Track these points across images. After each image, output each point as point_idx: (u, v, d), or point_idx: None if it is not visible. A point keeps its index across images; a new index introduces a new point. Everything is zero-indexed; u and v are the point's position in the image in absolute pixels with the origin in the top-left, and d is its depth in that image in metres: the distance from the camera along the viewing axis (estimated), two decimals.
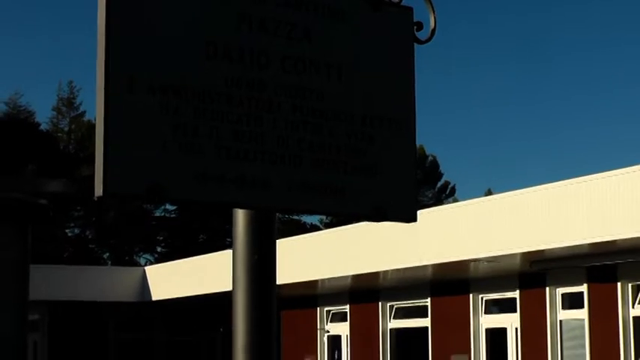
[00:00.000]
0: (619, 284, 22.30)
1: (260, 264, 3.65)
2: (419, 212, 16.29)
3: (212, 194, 3.44)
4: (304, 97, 3.62)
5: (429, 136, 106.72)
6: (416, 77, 3.93)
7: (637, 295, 22.25)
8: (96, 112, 3.40)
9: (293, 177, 3.56)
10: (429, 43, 3.98)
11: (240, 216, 3.67)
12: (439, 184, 69.13)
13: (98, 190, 3.28)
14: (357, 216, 3.90)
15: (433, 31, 3.90)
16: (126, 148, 3.31)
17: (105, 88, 3.32)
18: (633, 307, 22.24)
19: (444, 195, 67.68)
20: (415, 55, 3.92)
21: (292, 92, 3.60)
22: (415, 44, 3.92)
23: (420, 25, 3.87)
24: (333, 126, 3.65)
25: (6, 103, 55.82)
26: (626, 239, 18.94)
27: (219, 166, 3.44)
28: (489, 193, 49.15)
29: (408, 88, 3.84)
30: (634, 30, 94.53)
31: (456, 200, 59.04)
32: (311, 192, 3.60)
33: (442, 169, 69.77)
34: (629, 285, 22.26)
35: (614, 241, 19.27)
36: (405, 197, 3.81)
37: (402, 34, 3.83)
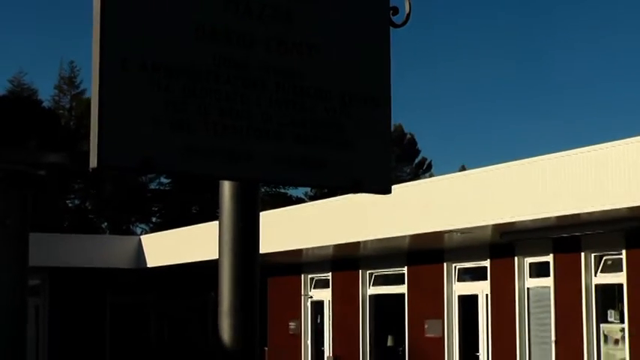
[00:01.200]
0: (582, 254, 22.37)
1: (244, 232, 3.65)
2: (398, 187, 16.50)
3: (200, 167, 3.44)
4: (287, 76, 3.62)
5: (407, 116, 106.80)
6: (396, 59, 3.92)
7: (599, 265, 22.32)
8: (91, 89, 3.39)
9: (276, 151, 3.57)
10: (405, 27, 3.98)
11: (227, 187, 3.67)
12: (416, 160, 69.18)
13: (93, 162, 3.28)
14: (335, 187, 3.89)
15: (408, 15, 3.89)
16: (119, 123, 3.30)
17: (100, 67, 3.31)
18: (595, 276, 22.32)
19: (421, 170, 67.74)
20: (391, 37, 3.91)
21: (275, 71, 3.60)
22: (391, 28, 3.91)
23: (395, 10, 3.87)
24: (313, 103, 3.65)
25: (10, 82, 55.78)
26: (589, 213, 19.00)
27: (206, 141, 3.44)
28: (463, 168, 49.13)
29: (384, 68, 3.84)
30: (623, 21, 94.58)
31: (432, 175, 59.17)
32: (293, 165, 3.61)
33: (419, 146, 69.91)
34: (592, 255, 22.34)
35: (578, 215, 19.33)
36: (380, 170, 3.82)
37: (379, 17, 3.83)
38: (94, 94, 3.34)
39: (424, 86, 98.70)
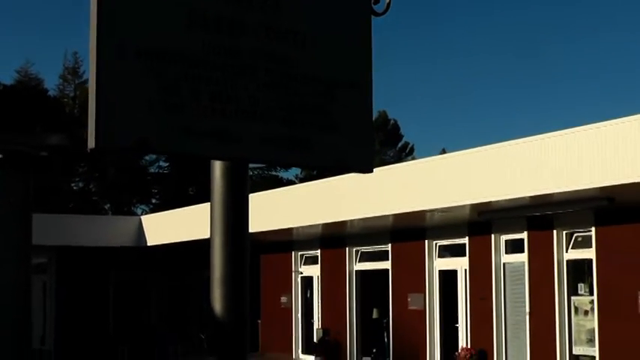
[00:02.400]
0: (555, 232, 22.43)
1: (234, 208, 3.64)
2: (382, 169, 16.46)
3: (192, 147, 3.43)
4: (275, 62, 3.60)
5: (391, 103, 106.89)
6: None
7: (570, 241, 22.37)
8: (89, 74, 3.37)
9: (264, 133, 3.56)
10: (386, 15, 3.96)
11: (217, 167, 3.66)
12: (399, 144, 69.18)
13: (91, 143, 3.27)
14: (320, 167, 3.87)
15: (388, 4, 3.88)
16: (115, 106, 3.29)
17: (97, 54, 3.29)
18: (567, 252, 22.37)
19: (403, 154, 67.74)
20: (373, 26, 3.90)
21: (264, 58, 3.58)
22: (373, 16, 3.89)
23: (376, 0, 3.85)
24: (300, 88, 3.64)
25: (18, 72, 55.67)
26: (560, 193, 19.01)
27: (198, 123, 3.42)
28: (443, 152, 49.11)
29: (366, 55, 3.83)
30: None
31: (414, 158, 59.17)
32: (280, 146, 3.60)
33: (402, 131, 69.88)
34: (564, 232, 22.40)
35: (550, 195, 19.35)
36: (363, 151, 3.80)
37: (360, 6, 3.82)
38: (91, 80, 3.33)
39: (407, 75, 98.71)
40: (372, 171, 3.89)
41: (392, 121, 69.06)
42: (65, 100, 55.89)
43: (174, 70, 3.40)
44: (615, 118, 17.93)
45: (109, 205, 54.71)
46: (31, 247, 4.23)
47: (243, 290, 3.62)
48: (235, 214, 3.64)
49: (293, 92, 3.61)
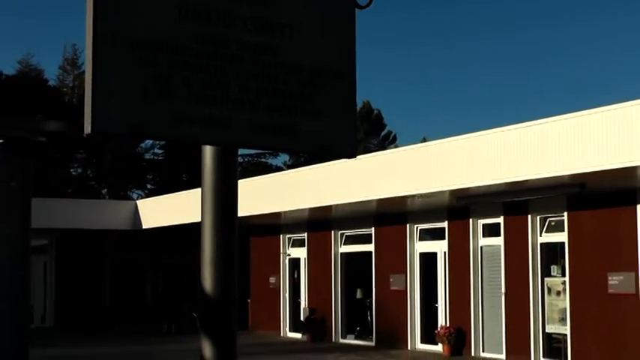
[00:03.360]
0: (529, 216, 22.48)
1: (224, 192, 3.63)
2: (366, 156, 16.44)
3: (184, 133, 3.42)
4: (262, 52, 3.59)
5: (375, 93, 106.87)
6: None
7: (544, 225, 22.43)
8: (86, 64, 3.36)
9: (252, 119, 3.55)
10: (369, 9, 3.94)
11: (208, 151, 3.65)
12: (383, 133, 69.15)
13: (87, 129, 3.26)
14: (305, 152, 3.86)
15: None
16: (110, 93, 3.28)
17: (93, 44, 3.28)
18: (541, 236, 22.43)
19: (387, 142, 67.69)
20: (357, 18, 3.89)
21: (252, 48, 3.57)
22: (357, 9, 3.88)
23: None
24: (286, 77, 3.63)
25: (19, 63, 55.49)
26: (535, 179, 19.06)
27: (190, 110, 3.41)
28: (424, 140, 49.08)
29: (350, 46, 3.82)
30: None
31: (396, 146, 59.11)
32: (267, 132, 3.59)
33: (385, 121, 69.84)
34: (538, 217, 22.45)
35: (525, 181, 19.40)
36: (346, 137, 3.79)
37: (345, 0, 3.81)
38: (87, 68, 3.32)
39: (390, 66, 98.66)
40: (355, 156, 3.88)
41: (375, 111, 69.05)
42: (64, 89, 55.71)
43: (166, 59, 3.39)
44: (586, 109, 17.99)
45: (106, 190, 54.61)
46: (30, 229, 4.21)
47: (232, 271, 3.61)
48: (225, 198, 3.63)
49: (280, 81, 3.61)
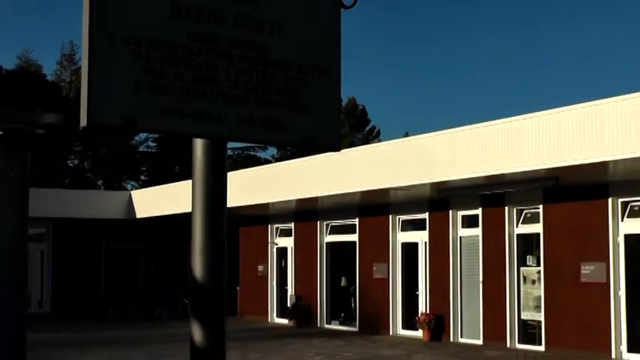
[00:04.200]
0: (506, 208, 22.54)
1: (214, 183, 3.63)
2: (350, 150, 16.44)
3: (176, 126, 3.42)
4: (251, 49, 3.59)
5: (360, 90, 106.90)
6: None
7: (520, 217, 22.50)
8: (82, 59, 3.35)
9: (241, 113, 3.54)
10: (354, 9, 3.94)
11: (199, 144, 3.65)
12: (367, 128, 69.15)
13: (83, 121, 3.26)
14: (292, 146, 3.87)
15: None
16: (106, 88, 3.27)
17: (89, 41, 3.28)
18: (517, 227, 22.50)
19: (371, 137, 67.67)
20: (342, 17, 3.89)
21: (241, 45, 3.57)
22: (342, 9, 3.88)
23: None
24: (273, 72, 3.63)
25: (18, 58, 55.32)
26: (511, 173, 19.11)
27: (181, 104, 3.41)
28: (406, 135, 49.13)
29: (335, 44, 3.82)
30: None
31: (380, 141, 59.14)
32: (255, 126, 3.59)
33: (370, 116, 69.82)
34: (514, 209, 22.51)
35: (502, 175, 19.44)
36: (331, 131, 3.80)
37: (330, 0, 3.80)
38: (84, 64, 3.31)
39: (375, 63, 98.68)
40: (339, 149, 3.89)
41: (360, 107, 69.06)
42: (62, 84, 55.54)
43: (159, 55, 3.38)
44: (561, 106, 18.03)
45: (101, 181, 54.48)
46: (28, 218, 4.21)
47: (221, 259, 3.61)
48: (214, 189, 3.63)
49: (267, 77, 3.61)
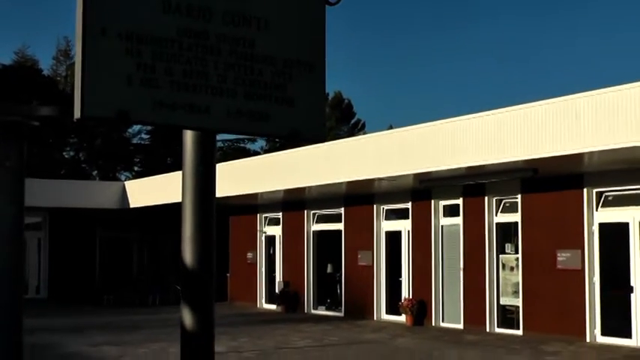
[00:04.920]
0: (486, 198, 22.59)
1: (203, 174, 3.64)
2: (336, 142, 16.48)
3: (167, 118, 3.41)
4: (239, 44, 3.59)
5: (345, 83, 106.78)
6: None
7: (499, 206, 22.55)
8: (75, 54, 3.34)
9: (230, 106, 3.54)
10: (339, 6, 3.94)
11: (189, 136, 3.65)
12: (352, 121, 69.13)
13: (77, 114, 3.26)
14: (278, 137, 3.87)
15: None
16: (98, 81, 3.27)
17: (82, 36, 3.27)
18: (496, 216, 22.56)
19: (356, 129, 67.67)
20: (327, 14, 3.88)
21: (230, 40, 3.57)
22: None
23: None
24: (261, 67, 3.63)
25: (16, 53, 55.13)
26: (491, 164, 19.15)
27: (172, 97, 3.41)
28: (390, 127, 49.14)
29: (320, 39, 3.82)
30: None
31: (365, 133, 59.15)
32: (243, 118, 3.59)
33: (355, 109, 69.79)
34: (494, 199, 22.57)
35: (483, 166, 19.48)
36: (316, 123, 3.80)
37: None
38: (77, 58, 3.30)
39: (360, 58, 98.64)
40: (324, 140, 3.89)
41: (346, 101, 69.02)
42: (58, 78, 55.32)
43: (150, 50, 3.38)
44: (540, 100, 18.07)
45: (96, 172, 54.36)
46: (23, 205, 4.20)
47: (210, 246, 3.61)
48: (204, 179, 3.63)
49: (255, 71, 3.61)
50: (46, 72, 54.59)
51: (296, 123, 3.73)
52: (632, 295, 19.13)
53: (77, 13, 3.32)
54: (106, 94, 3.27)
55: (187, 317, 3.58)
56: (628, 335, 19.14)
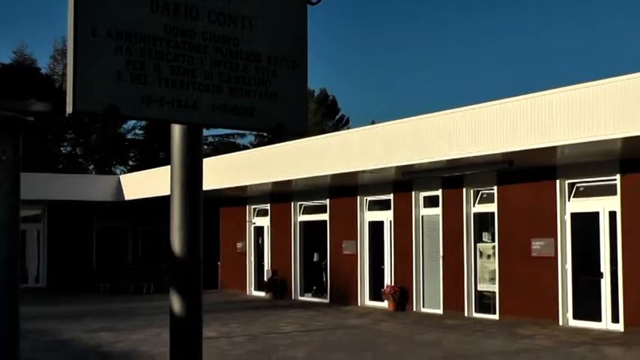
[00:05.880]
0: (464, 190, 22.64)
1: (190, 166, 3.63)
2: (322, 137, 16.50)
3: (155, 113, 3.40)
4: (224, 42, 3.58)
5: (331, 80, 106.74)
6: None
7: (477, 197, 22.60)
8: (68, 51, 3.33)
9: (215, 101, 3.54)
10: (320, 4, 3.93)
11: (177, 130, 3.64)
12: (337, 116, 69.14)
13: (69, 109, 3.24)
14: (263, 130, 3.86)
15: None
16: (89, 77, 3.26)
17: (74, 34, 3.26)
18: (474, 206, 22.60)
19: (340, 124, 67.65)
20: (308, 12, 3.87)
21: (216, 38, 3.56)
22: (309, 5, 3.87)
23: None
24: (245, 64, 3.62)
25: (15, 53, 54.85)
26: (469, 157, 19.18)
27: (160, 92, 3.40)
28: (373, 122, 49.16)
29: (302, 37, 3.81)
30: None
31: (349, 128, 59.14)
32: (229, 112, 3.58)
33: (340, 105, 69.80)
34: (472, 190, 22.61)
35: (461, 159, 19.52)
36: (299, 117, 3.79)
37: None
38: (69, 55, 3.29)
39: (344, 57, 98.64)
40: (306, 133, 3.89)
41: (331, 97, 69.03)
42: (55, 77, 55.07)
43: (139, 47, 3.37)
44: (515, 96, 18.11)
45: (92, 166, 54.18)
46: (19, 197, 4.19)
47: (197, 234, 3.61)
48: (191, 171, 3.63)
49: (240, 68, 3.60)
50: (44, 70, 54.36)
51: (280, 117, 3.72)
52: (602, 281, 19.22)
53: (69, 13, 3.31)
54: (96, 89, 3.26)
55: (176, 302, 3.57)
56: (598, 319, 19.23)
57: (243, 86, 3.62)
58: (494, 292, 21.80)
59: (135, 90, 3.35)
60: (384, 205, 25.81)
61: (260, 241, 32.10)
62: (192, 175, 3.62)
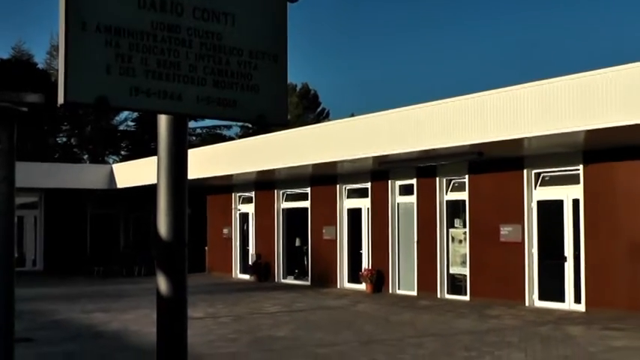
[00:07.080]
0: (437, 179, 22.69)
1: (176, 154, 3.62)
2: (303, 128, 16.52)
3: (142, 103, 3.39)
4: (208, 37, 3.56)
5: (312, 75, 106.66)
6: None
7: (449, 186, 22.66)
8: (59, 45, 3.31)
9: (200, 93, 3.52)
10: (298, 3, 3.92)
11: (163, 120, 3.62)
12: (318, 109, 69.11)
13: (60, 100, 3.22)
14: (245, 121, 3.85)
15: None
16: (80, 70, 3.23)
17: (65, 29, 3.23)
18: (447, 194, 22.66)
19: (321, 117, 67.64)
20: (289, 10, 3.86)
21: (200, 33, 3.54)
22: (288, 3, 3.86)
23: None
24: (228, 58, 3.61)
25: (12, 48, 54.53)
26: (442, 148, 19.23)
27: (147, 84, 3.38)
28: (352, 115, 49.16)
29: (283, 32, 3.80)
30: None
31: (329, 120, 59.10)
32: (212, 104, 3.57)
33: (321, 99, 69.77)
34: (444, 179, 22.67)
35: (435, 149, 19.56)
36: (279, 109, 3.78)
37: None
38: (60, 49, 3.26)
39: (325, 52, 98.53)
40: (286, 124, 3.88)
41: (312, 91, 68.98)
42: (51, 71, 54.75)
43: (127, 41, 3.35)
44: (485, 90, 18.15)
45: (86, 156, 53.98)
46: (14, 185, 4.17)
47: (183, 219, 3.60)
48: (176, 158, 3.62)
49: (223, 61, 3.59)
50: (40, 65, 54.02)
51: (261, 109, 3.71)
52: (566, 264, 19.33)
53: (60, 9, 3.29)
54: (86, 81, 3.24)
55: (162, 283, 3.56)
56: (562, 299, 19.35)
57: (226, 79, 3.61)
58: (466, 275, 21.89)
59: (123, 82, 3.34)
60: (362, 193, 25.85)
61: (245, 227, 32.08)
62: (177, 162, 3.60)
